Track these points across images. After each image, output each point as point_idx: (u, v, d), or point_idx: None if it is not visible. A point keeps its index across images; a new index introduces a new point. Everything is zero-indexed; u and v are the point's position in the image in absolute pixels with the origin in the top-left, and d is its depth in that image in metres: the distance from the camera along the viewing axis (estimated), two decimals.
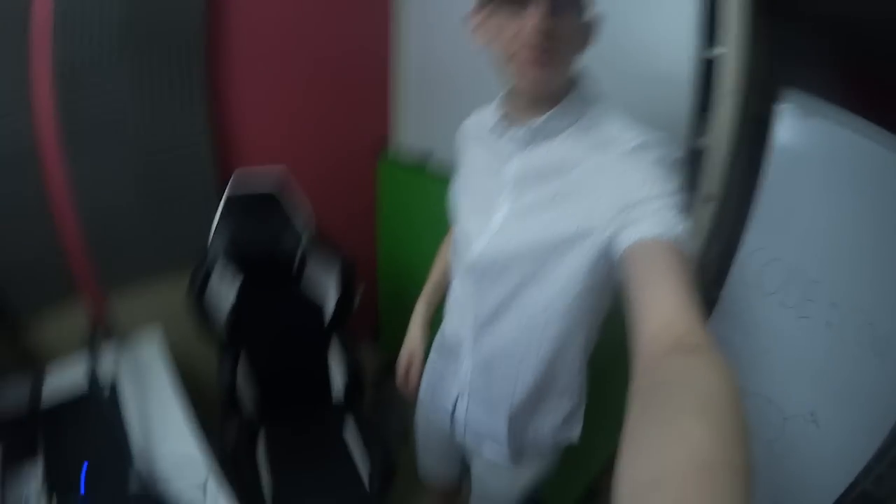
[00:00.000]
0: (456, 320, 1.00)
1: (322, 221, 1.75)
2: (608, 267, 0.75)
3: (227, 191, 1.58)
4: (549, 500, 1.15)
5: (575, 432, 1.04)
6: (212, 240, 1.52)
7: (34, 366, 1.46)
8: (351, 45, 2.02)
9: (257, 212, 1.62)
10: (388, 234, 2.29)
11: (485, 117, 0.91)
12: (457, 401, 1.07)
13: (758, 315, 1.21)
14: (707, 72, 1.20)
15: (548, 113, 0.77)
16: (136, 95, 1.51)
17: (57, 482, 1.13)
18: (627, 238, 0.64)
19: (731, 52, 1.14)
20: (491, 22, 0.73)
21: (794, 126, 1.07)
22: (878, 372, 1.04)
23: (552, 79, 0.73)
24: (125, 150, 1.54)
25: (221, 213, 1.54)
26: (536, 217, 0.80)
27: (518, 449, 1.04)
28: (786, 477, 1.19)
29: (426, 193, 1.97)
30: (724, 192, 1.25)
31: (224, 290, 1.62)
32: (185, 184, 1.69)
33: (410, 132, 2.24)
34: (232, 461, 1.54)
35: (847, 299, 1.08)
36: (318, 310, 1.72)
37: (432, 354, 1.18)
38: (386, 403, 2.31)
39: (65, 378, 1.40)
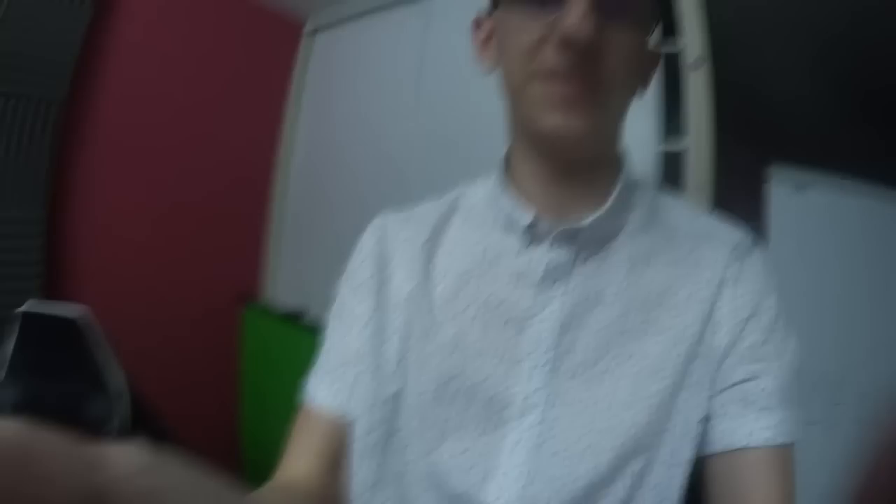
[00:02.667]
0: None
1: (169, 382, 1.36)
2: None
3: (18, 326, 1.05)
4: None
5: None
6: None
7: None
8: (229, 176, 1.75)
9: (57, 360, 1.09)
10: (253, 403, 1.80)
11: (452, 215, 0.56)
12: None
13: None
14: (671, 167, 1.13)
15: (610, 200, 0.48)
16: None
17: None
18: (725, 435, 0.46)
19: (697, 143, 1.09)
20: (508, 24, 0.45)
21: (787, 204, 0.99)
22: None
23: (595, 127, 0.44)
24: None
25: (11, 356, 0.99)
26: (614, 388, 0.46)
27: None
28: None
29: (300, 353, 1.56)
30: None
31: None
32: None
33: (282, 284, 1.86)
34: None
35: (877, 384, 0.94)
36: None
37: None
38: None
39: None
